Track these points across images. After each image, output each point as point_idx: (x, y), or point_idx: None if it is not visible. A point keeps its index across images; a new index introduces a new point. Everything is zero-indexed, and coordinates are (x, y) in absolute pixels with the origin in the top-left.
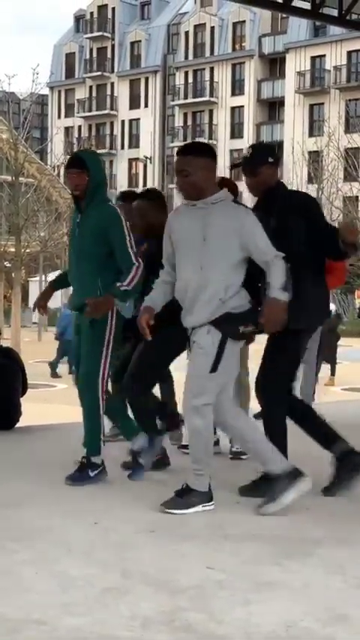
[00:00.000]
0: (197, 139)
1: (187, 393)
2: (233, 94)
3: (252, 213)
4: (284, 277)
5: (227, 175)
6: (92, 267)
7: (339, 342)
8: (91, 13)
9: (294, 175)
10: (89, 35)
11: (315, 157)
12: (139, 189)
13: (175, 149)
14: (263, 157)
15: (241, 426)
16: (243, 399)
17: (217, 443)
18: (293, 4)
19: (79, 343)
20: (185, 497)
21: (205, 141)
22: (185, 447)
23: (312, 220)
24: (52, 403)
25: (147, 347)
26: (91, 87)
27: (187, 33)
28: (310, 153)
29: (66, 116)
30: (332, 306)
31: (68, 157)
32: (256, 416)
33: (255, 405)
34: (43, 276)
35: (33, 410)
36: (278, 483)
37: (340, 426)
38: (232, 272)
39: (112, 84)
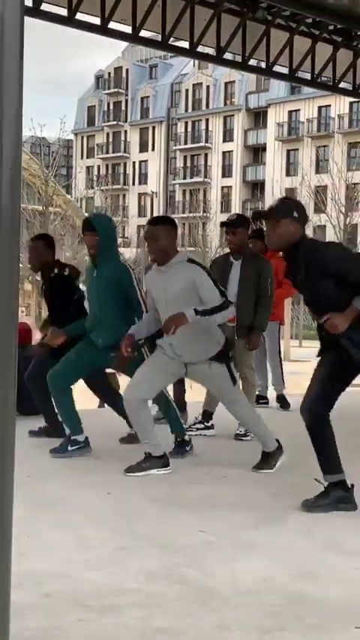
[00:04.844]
0: (194, 178)
1: (225, 402)
2: (224, 140)
3: (200, 269)
4: (214, 311)
5: (217, 227)
6: (114, 310)
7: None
8: (109, 73)
9: None
10: (107, 91)
11: (290, 193)
12: (147, 219)
13: (177, 186)
14: (286, 210)
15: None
16: (250, 393)
17: (212, 427)
18: (274, 69)
19: (82, 350)
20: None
21: (201, 179)
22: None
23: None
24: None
25: None
26: (108, 134)
27: (187, 90)
28: (286, 189)
29: (87, 157)
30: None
31: (89, 190)
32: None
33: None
34: None
35: None
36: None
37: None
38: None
39: (126, 131)
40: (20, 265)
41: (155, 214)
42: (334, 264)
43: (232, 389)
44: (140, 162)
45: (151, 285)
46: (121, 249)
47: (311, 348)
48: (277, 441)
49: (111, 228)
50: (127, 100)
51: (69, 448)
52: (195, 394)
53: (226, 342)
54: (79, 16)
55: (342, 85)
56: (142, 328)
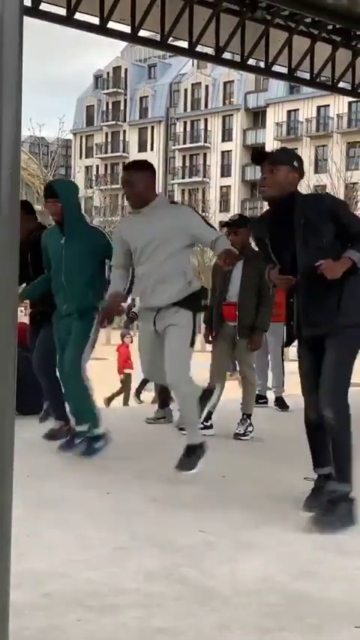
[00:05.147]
0: (193, 178)
1: (174, 367)
2: (223, 140)
3: (189, 208)
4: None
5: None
6: (82, 281)
7: None
8: (108, 73)
9: None
10: (106, 91)
11: None
12: None
13: (176, 185)
14: (287, 157)
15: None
16: (249, 392)
17: (211, 427)
18: (273, 69)
19: (63, 344)
20: (192, 455)
21: (199, 179)
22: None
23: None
24: None
25: None
26: (107, 133)
27: (186, 90)
28: None
29: (86, 157)
30: None
31: (89, 190)
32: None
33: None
34: None
35: None
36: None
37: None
38: (184, 259)
39: (124, 131)
40: None
41: None
42: (338, 209)
43: (185, 350)
44: None
45: (126, 234)
46: None
47: None
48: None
49: (75, 194)
50: (125, 100)
51: (95, 445)
52: None
53: (200, 291)
54: (78, 15)
55: (341, 84)
56: (119, 285)
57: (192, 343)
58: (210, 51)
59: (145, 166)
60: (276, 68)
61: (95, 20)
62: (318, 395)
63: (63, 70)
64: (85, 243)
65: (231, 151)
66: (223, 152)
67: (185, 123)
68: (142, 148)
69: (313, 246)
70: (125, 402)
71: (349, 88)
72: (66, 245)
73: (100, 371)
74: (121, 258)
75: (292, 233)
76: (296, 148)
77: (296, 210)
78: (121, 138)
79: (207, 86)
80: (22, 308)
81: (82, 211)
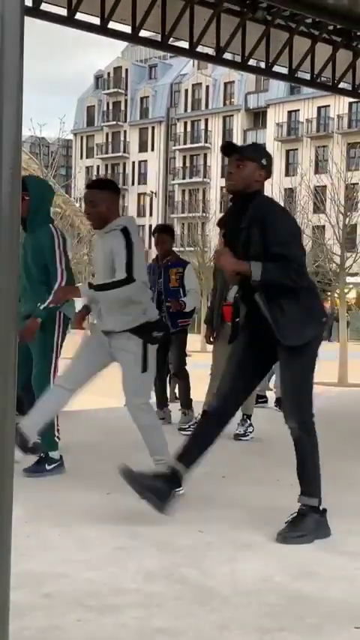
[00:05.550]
0: (194, 178)
1: (127, 393)
2: (224, 140)
3: (122, 238)
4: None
5: (216, 227)
6: (37, 280)
7: None
8: (108, 74)
9: None
10: (106, 91)
11: (289, 193)
12: (147, 219)
13: (176, 186)
14: (257, 154)
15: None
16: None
17: None
18: (273, 69)
19: (26, 349)
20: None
21: (200, 179)
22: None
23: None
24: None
25: None
26: (107, 134)
27: (186, 90)
28: (285, 190)
29: (87, 157)
30: None
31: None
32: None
33: None
34: None
35: None
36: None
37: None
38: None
39: (125, 131)
40: None
41: (155, 214)
42: (273, 225)
43: (137, 376)
44: (140, 162)
45: (94, 250)
46: None
47: None
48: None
49: (45, 192)
50: (126, 100)
51: (46, 467)
52: (196, 393)
53: (158, 322)
54: (79, 15)
55: (341, 85)
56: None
57: (144, 369)
58: (210, 51)
59: (108, 186)
60: (276, 69)
61: (96, 20)
62: (230, 387)
63: (64, 71)
64: (38, 245)
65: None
66: None
67: (186, 123)
68: (142, 148)
69: (248, 250)
70: None
71: (350, 89)
72: (26, 242)
73: (102, 373)
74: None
75: (238, 235)
76: (297, 149)
77: (249, 211)
78: (122, 138)
79: (207, 86)
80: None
81: (51, 213)
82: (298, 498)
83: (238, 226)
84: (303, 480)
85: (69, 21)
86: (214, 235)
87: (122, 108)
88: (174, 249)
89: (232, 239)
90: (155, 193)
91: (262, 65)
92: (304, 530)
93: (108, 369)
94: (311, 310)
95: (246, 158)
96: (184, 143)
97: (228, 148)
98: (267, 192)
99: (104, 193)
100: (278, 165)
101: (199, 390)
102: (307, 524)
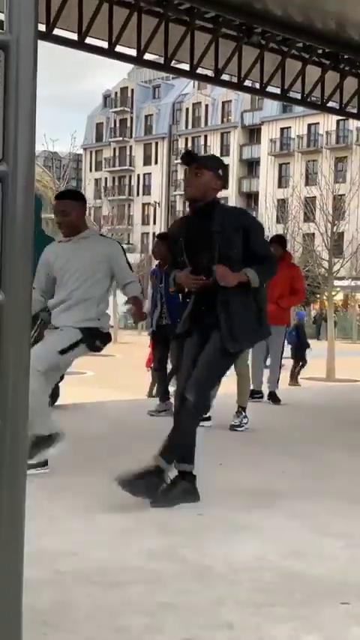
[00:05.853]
0: None
1: (33, 355)
2: (221, 155)
3: (117, 244)
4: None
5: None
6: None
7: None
8: (116, 93)
9: (266, 217)
10: (114, 109)
11: (282, 204)
12: (151, 226)
13: (178, 197)
14: (214, 164)
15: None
16: (244, 387)
17: (209, 419)
18: (267, 89)
19: None
20: (38, 446)
21: None
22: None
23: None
24: (82, 387)
25: None
26: (115, 148)
27: (187, 109)
28: (278, 200)
29: (96, 170)
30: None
31: (98, 200)
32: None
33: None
34: None
35: (67, 392)
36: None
37: (297, 405)
38: (101, 290)
39: (131, 147)
40: None
41: (158, 222)
42: (253, 228)
43: (50, 348)
44: (144, 174)
45: (53, 257)
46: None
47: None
48: (51, 436)
49: (37, 209)
50: (132, 118)
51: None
52: None
53: (106, 334)
54: (89, 40)
55: (330, 104)
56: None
57: (63, 352)
58: (209, 73)
59: (79, 196)
60: (270, 89)
61: (104, 44)
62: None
63: (75, 90)
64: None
65: (228, 165)
66: None
67: (187, 139)
68: (147, 162)
69: (224, 255)
70: (150, 394)
71: (338, 108)
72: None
73: (108, 369)
74: (42, 282)
75: (207, 239)
76: (289, 163)
77: (216, 218)
78: (128, 153)
79: (207, 105)
80: None
81: (42, 226)
82: (156, 458)
83: (206, 232)
84: (173, 446)
85: (79, 45)
86: None
87: (128, 125)
88: None
89: (195, 245)
90: (158, 203)
91: (257, 85)
92: (176, 494)
93: (113, 364)
94: (259, 314)
95: (204, 167)
96: None
97: (187, 158)
98: (261, 203)
99: (77, 203)
100: (272, 177)
101: None
102: (180, 489)
